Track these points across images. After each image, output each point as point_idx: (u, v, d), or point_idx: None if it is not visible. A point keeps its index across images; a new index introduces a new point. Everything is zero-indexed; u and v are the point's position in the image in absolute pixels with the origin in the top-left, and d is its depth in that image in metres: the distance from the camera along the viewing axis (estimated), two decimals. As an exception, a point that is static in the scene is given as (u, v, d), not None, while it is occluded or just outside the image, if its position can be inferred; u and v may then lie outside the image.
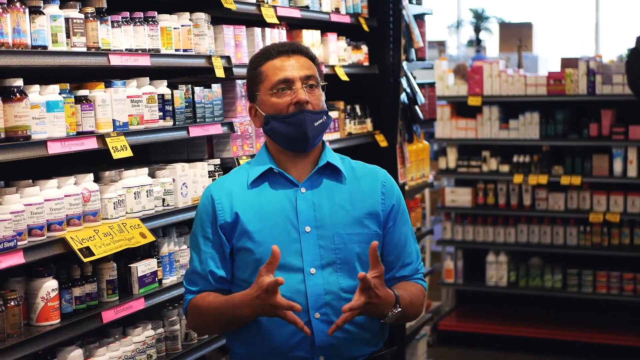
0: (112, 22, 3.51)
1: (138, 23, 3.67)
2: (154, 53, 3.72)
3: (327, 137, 4.94)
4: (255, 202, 2.94)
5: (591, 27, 15.60)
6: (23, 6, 3.04)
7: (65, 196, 3.23)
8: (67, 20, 3.27)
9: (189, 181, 3.92)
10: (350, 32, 5.59)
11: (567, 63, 7.58)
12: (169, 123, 3.83)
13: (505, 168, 7.72)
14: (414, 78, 6.11)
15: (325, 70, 4.94)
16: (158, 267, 3.75)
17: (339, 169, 3.01)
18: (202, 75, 4.20)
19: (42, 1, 3.16)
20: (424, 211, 7.52)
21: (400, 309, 2.83)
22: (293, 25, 5.00)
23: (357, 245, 2.93)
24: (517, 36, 11.58)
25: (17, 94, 3.02)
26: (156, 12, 3.77)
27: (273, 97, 2.93)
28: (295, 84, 2.92)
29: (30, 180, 3.17)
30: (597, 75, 7.33)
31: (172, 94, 3.86)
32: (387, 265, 3.01)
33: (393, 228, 3.02)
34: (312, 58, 3.01)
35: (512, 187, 7.76)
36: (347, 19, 5.39)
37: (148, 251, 3.74)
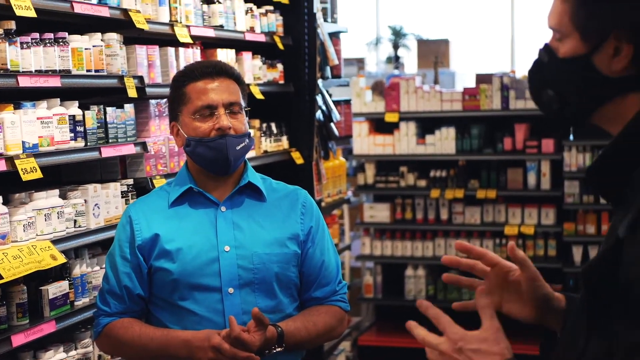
0: (22, 43, 3.48)
1: (48, 44, 3.64)
2: (65, 74, 3.69)
3: (243, 155, 4.94)
4: (175, 222, 2.95)
5: (507, 43, 15.89)
6: None
7: (-27, 219, 3.19)
8: (-27, 41, 3.24)
9: (101, 202, 3.90)
10: (265, 50, 5.62)
11: (482, 79, 7.71)
12: (80, 144, 3.81)
13: (422, 183, 7.80)
14: (330, 95, 6.16)
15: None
16: (70, 289, 3.72)
17: (260, 188, 3.03)
18: (115, 96, 4.18)
19: (-53, 23, 3.12)
20: (342, 227, 7.56)
21: (280, 349, 2.85)
22: (207, 44, 5.00)
23: (275, 265, 2.95)
24: (434, 52, 11.71)
25: None
26: (67, 33, 3.75)
27: (196, 121, 2.93)
28: (218, 110, 2.92)
29: (-63, 204, 3.13)
30: (511, 91, 7.48)
31: (84, 115, 3.83)
32: (305, 285, 3.05)
33: (311, 249, 3.04)
34: (237, 78, 3.01)
35: (429, 202, 7.84)
36: (262, 38, 5.42)
37: (60, 273, 3.71)
